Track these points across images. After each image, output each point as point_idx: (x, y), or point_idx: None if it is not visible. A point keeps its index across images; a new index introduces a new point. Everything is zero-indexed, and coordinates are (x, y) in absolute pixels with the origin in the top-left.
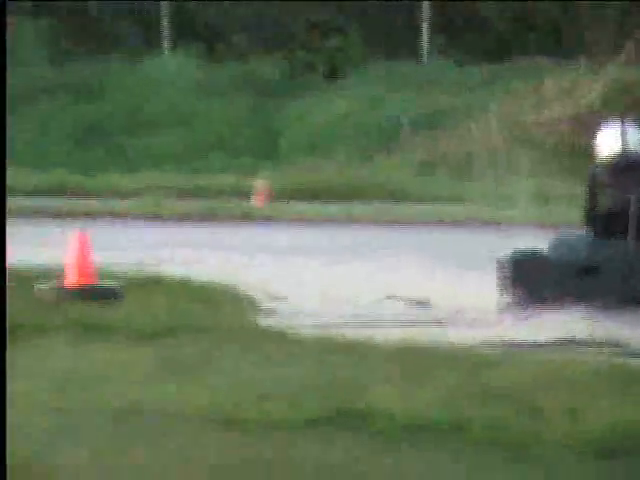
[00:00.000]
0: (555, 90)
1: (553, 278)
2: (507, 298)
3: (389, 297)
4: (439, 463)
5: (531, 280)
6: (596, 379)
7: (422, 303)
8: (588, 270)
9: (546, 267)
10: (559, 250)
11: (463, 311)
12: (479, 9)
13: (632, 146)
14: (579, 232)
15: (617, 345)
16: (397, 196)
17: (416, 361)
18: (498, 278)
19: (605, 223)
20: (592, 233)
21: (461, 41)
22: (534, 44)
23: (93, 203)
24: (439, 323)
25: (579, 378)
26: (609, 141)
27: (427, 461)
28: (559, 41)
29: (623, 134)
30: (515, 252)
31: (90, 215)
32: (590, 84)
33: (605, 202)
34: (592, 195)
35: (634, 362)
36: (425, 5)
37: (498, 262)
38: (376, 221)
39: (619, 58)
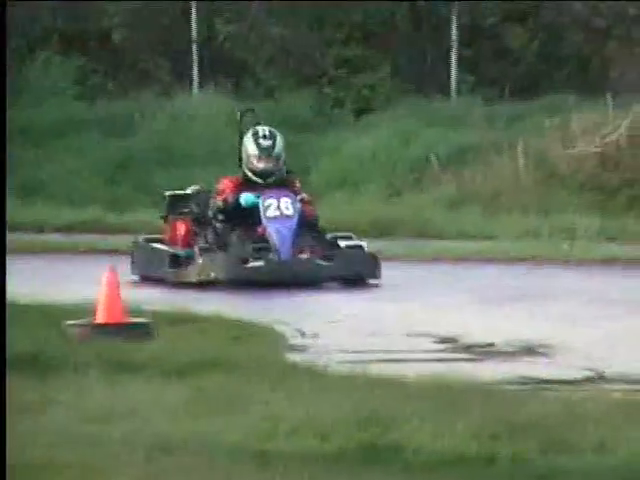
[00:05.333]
0: (582, 127)
1: None
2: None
3: (418, 334)
4: None
5: None
6: (622, 414)
7: (451, 339)
8: None
9: None
10: None
11: (492, 347)
12: (506, 44)
13: None
14: None
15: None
16: (426, 232)
17: (444, 396)
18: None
19: None
20: None
21: (489, 77)
22: (561, 81)
23: (122, 239)
24: (468, 359)
25: (605, 413)
26: None
27: None
28: (586, 78)
29: None
30: None
31: (121, 251)
32: (616, 122)
33: None
34: None
35: None
36: (453, 40)
37: None
38: (404, 257)
39: None
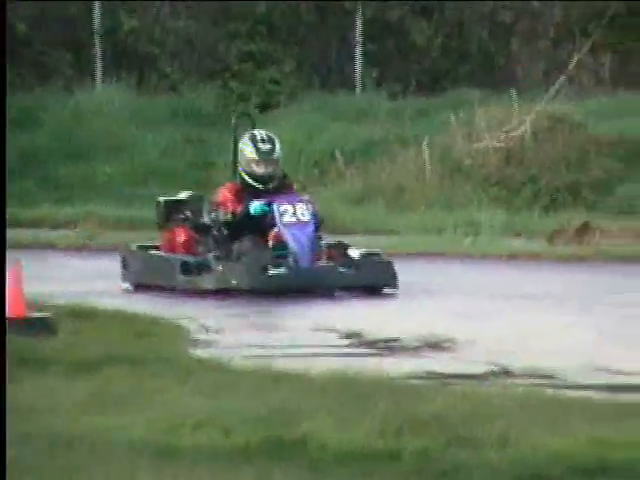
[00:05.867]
0: (486, 122)
1: None
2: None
3: (323, 329)
4: None
5: None
6: (525, 408)
7: (356, 334)
8: None
9: None
10: None
11: (397, 342)
12: (412, 39)
13: None
14: None
15: (546, 377)
16: (330, 227)
17: (350, 391)
18: None
19: None
20: None
21: (394, 72)
22: (466, 76)
23: (26, 234)
24: (373, 354)
25: (508, 407)
26: None
27: None
28: (491, 73)
29: None
30: None
31: (23, 246)
32: (520, 117)
33: None
34: None
35: (562, 393)
36: (358, 35)
37: None
38: None
39: (550, 92)
